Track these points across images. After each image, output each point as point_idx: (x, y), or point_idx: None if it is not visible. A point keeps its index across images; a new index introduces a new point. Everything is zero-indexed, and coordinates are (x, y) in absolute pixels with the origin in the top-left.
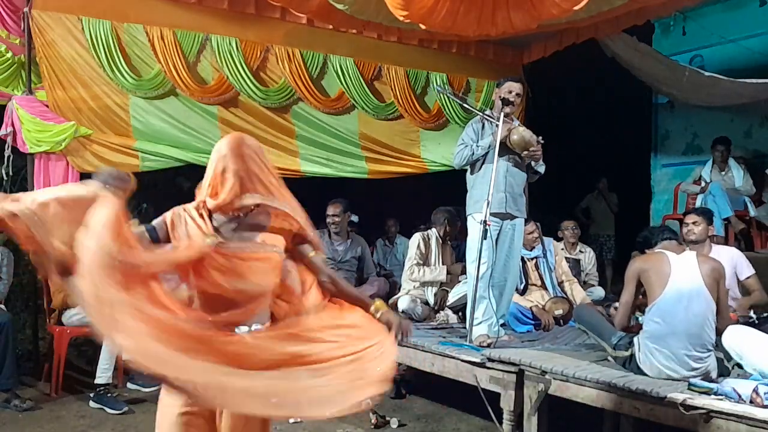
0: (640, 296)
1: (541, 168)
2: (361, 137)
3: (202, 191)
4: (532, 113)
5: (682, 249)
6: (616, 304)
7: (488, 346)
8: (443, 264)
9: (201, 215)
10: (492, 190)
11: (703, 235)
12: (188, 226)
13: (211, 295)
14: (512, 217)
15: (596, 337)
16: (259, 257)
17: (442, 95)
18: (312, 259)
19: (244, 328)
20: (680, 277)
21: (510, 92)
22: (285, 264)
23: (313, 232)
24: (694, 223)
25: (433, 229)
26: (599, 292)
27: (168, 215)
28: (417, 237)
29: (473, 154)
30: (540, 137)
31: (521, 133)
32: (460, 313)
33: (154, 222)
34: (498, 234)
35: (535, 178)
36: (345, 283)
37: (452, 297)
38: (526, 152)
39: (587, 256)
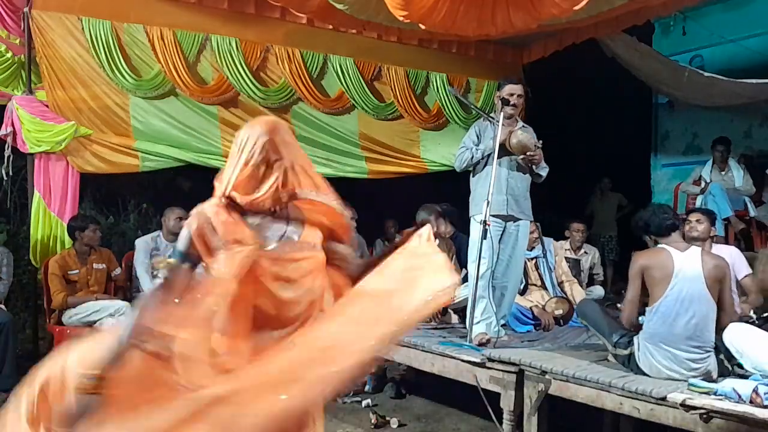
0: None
1: (543, 171)
2: (361, 137)
3: (225, 185)
4: (532, 113)
5: (686, 245)
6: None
7: (487, 342)
8: None
9: (233, 218)
10: (492, 190)
11: (706, 233)
12: (223, 233)
13: (258, 309)
14: (515, 219)
15: (597, 333)
16: (304, 258)
17: (452, 96)
18: (341, 251)
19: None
20: (682, 278)
21: (511, 95)
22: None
23: (353, 231)
24: (697, 221)
25: None
26: (599, 290)
27: (193, 227)
28: None
29: (472, 157)
30: (540, 141)
31: (519, 137)
32: (460, 314)
33: (180, 246)
34: (501, 235)
35: (540, 180)
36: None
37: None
38: (523, 156)
39: (592, 257)
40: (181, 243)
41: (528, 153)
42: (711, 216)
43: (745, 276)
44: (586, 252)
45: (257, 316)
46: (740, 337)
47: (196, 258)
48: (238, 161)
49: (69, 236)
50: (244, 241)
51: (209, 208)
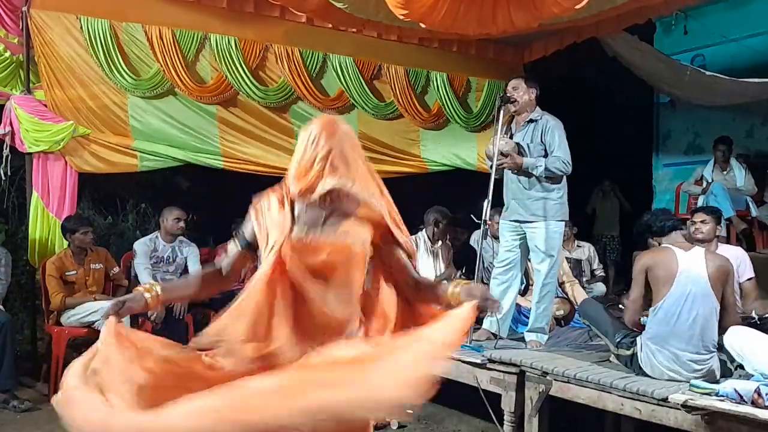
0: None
1: (537, 170)
2: (361, 137)
3: (289, 176)
4: None
5: (690, 245)
6: (626, 301)
7: (488, 339)
8: (435, 266)
9: (282, 203)
10: (491, 191)
11: (711, 234)
12: (269, 216)
13: (299, 316)
14: (527, 222)
15: (600, 332)
16: (328, 244)
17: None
18: (400, 257)
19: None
20: (686, 277)
21: (507, 91)
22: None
23: (405, 235)
24: (702, 221)
25: (423, 231)
26: (600, 287)
27: (252, 210)
28: None
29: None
30: (514, 144)
31: (497, 145)
32: None
33: (243, 228)
34: (523, 239)
35: (550, 173)
36: (427, 283)
37: None
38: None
39: (585, 251)
40: (245, 227)
41: (498, 162)
42: (716, 215)
43: (748, 279)
44: (579, 246)
45: (299, 324)
46: (740, 340)
47: (253, 241)
48: (295, 155)
49: (63, 236)
50: (280, 228)
51: (268, 194)
